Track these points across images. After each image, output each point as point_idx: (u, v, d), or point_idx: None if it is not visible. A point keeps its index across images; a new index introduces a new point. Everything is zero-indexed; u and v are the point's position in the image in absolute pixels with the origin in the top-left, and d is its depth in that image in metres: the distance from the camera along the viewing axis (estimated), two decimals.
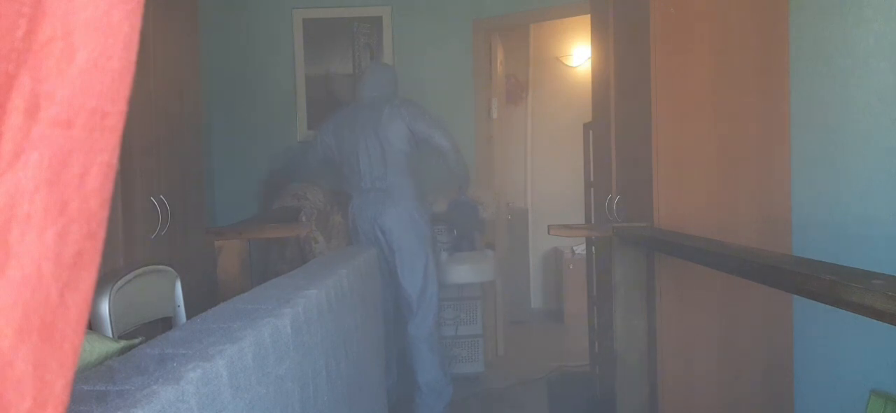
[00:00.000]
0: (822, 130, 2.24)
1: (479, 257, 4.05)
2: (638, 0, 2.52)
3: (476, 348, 4.16)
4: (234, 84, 4.46)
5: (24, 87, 0.38)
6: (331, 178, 3.87)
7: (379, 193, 3.38)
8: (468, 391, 3.91)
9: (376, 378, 2.42)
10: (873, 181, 2.00)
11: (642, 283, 2.50)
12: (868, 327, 1.50)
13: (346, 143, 3.43)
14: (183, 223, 2.66)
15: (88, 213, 0.41)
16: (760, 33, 2.42)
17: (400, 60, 4.40)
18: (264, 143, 4.44)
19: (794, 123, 2.38)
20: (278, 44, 4.50)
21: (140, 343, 1.13)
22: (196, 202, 2.87)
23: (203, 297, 2.56)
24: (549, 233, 2.81)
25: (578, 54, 6.06)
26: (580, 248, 5.48)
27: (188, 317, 2.04)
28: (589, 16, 3.38)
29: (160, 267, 2.09)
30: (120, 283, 1.78)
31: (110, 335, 1.67)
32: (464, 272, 3.96)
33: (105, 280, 1.75)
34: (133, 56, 0.43)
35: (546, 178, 6.08)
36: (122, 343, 1.18)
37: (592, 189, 3.42)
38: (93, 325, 1.67)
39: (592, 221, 3.42)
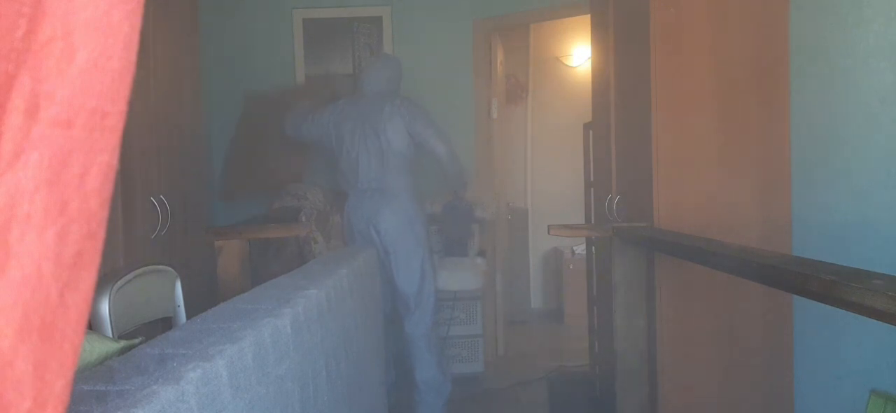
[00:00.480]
0: (822, 130, 2.24)
1: (467, 265, 4.03)
2: (638, 0, 2.52)
3: (476, 348, 4.16)
4: (234, 84, 4.46)
5: (24, 87, 0.38)
6: (329, 176, 3.86)
7: (375, 193, 3.37)
8: (468, 391, 3.91)
9: (376, 378, 2.42)
10: (873, 181, 2.00)
11: (642, 283, 2.50)
12: (868, 327, 1.50)
13: (345, 140, 3.42)
14: (183, 223, 2.66)
15: (88, 213, 0.41)
16: (760, 33, 2.42)
17: None
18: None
19: (794, 123, 2.38)
20: (278, 44, 4.50)
21: (140, 343, 1.13)
22: (196, 202, 2.87)
23: (203, 297, 2.56)
24: (549, 233, 2.82)
25: (578, 54, 6.06)
26: (580, 248, 5.48)
27: (188, 317, 2.03)
28: (589, 16, 3.38)
29: (160, 267, 2.08)
30: (120, 283, 1.78)
31: (110, 335, 1.67)
32: (447, 279, 3.92)
33: (105, 280, 1.75)
34: (133, 56, 0.43)
35: (546, 178, 6.08)
36: (122, 343, 1.18)
37: (592, 189, 3.42)
38: (93, 325, 1.66)
39: (592, 221, 3.42)
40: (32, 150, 0.38)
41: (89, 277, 0.42)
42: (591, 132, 3.43)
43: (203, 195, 3.03)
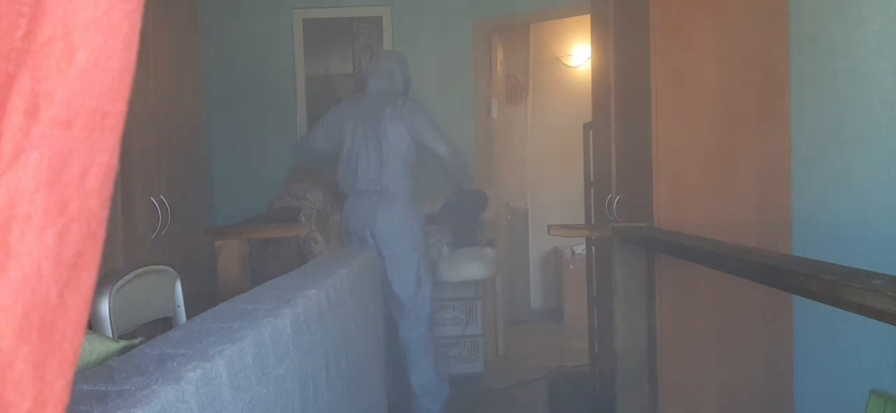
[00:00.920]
0: (822, 130, 2.24)
1: (476, 255, 4.02)
2: (638, 0, 2.52)
3: (476, 348, 4.16)
4: (234, 84, 4.46)
5: (24, 87, 0.38)
6: (329, 174, 3.85)
7: (372, 195, 3.36)
8: (468, 391, 3.91)
9: (376, 378, 2.42)
10: (873, 181, 2.00)
11: (642, 283, 2.50)
12: (868, 327, 1.50)
13: (346, 140, 3.42)
14: (183, 223, 2.66)
15: (88, 213, 0.41)
16: (760, 34, 2.42)
17: None
18: (264, 143, 4.44)
19: (794, 123, 2.38)
20: (278, 44, 4.50)
21: (140, 343, 1.13)
22: (196, 202, 2.87)
23: (203, 297, 2.56)
24: (549, 233, 2.81)
25: (578, 54, 6.06)
26: (580, 248, 5.48)
27: (188, 317, 2.03)
28: (589, 16, 3.38)
29: (160, 267, 2.08)
30: (120, 283, 1.78)
31: (110, 335, 1.67)
32: (465, 269, 3.91)
33: (105, 280, 1.75)
34: (133, 56, 0.43)
35: (546, 178, 6.08)
36: (122, 343, 1.18)
37: (592, 189, 3.42)
38: (93, 325, 1.66)
39: (592, 221, 3.42)
40: (32, 150, 0.38)
41: (89, 277, 0.42)
42: (591, 132, 3.43)
43: (203, 195, 3.03)
